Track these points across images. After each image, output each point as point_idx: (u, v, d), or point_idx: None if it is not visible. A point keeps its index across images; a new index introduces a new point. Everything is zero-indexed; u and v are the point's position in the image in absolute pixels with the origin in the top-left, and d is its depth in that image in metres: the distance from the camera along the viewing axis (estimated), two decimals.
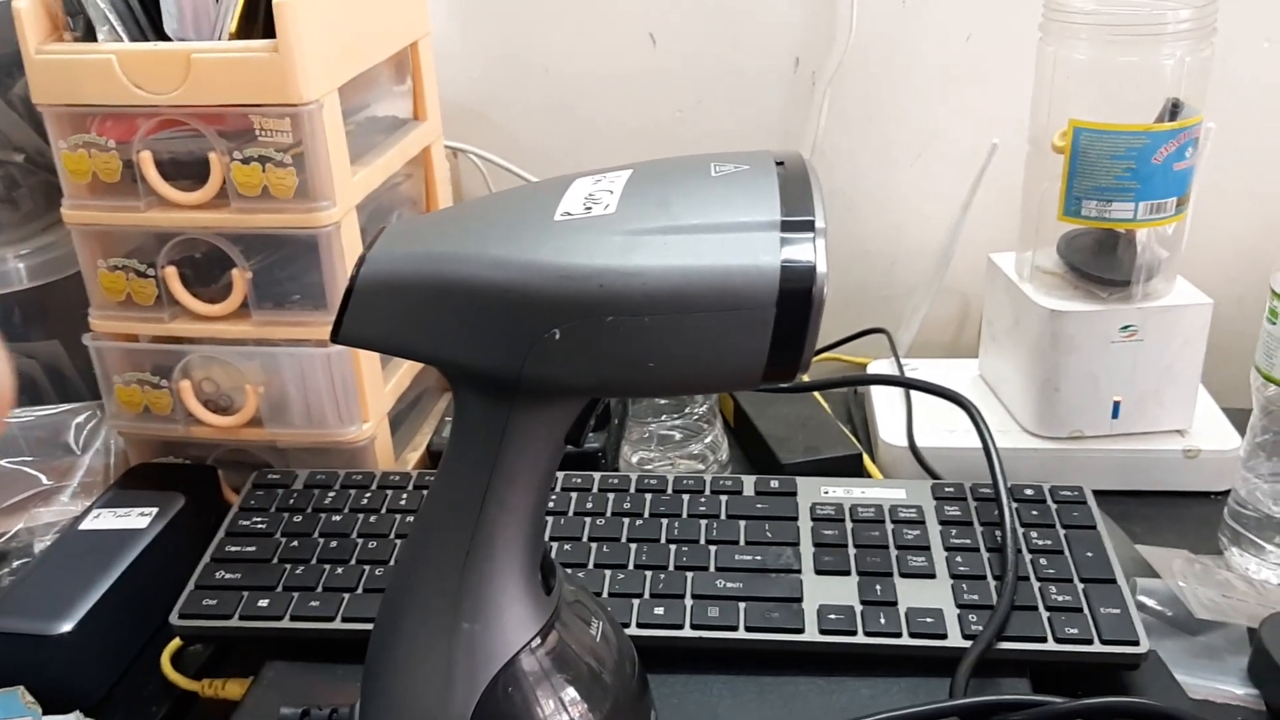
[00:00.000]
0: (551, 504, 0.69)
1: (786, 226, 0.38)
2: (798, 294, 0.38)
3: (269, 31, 0.64)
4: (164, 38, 0.67)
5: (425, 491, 0.70)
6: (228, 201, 0.68)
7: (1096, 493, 0.69)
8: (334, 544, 0.66)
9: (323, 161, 0.67)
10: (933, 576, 0.62)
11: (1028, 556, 0.63)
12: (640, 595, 0.62)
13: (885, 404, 0.84)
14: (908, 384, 0.82)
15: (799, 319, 0.38)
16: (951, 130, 0.95)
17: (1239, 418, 0.76)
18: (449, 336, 0.41)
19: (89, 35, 0.67)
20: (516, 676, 0.45)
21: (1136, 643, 0.58)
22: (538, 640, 0.46)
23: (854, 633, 0.59)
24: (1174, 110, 0.71)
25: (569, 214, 0.41)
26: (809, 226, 0.38)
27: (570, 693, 0.46)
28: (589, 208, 0.41)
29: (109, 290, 0.72)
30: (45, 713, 0.57)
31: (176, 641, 0.64)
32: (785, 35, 0.94)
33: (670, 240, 0.39)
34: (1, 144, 0.80)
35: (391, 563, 0.65)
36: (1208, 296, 0.76)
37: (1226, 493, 0.71)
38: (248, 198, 0.67)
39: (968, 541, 0.65)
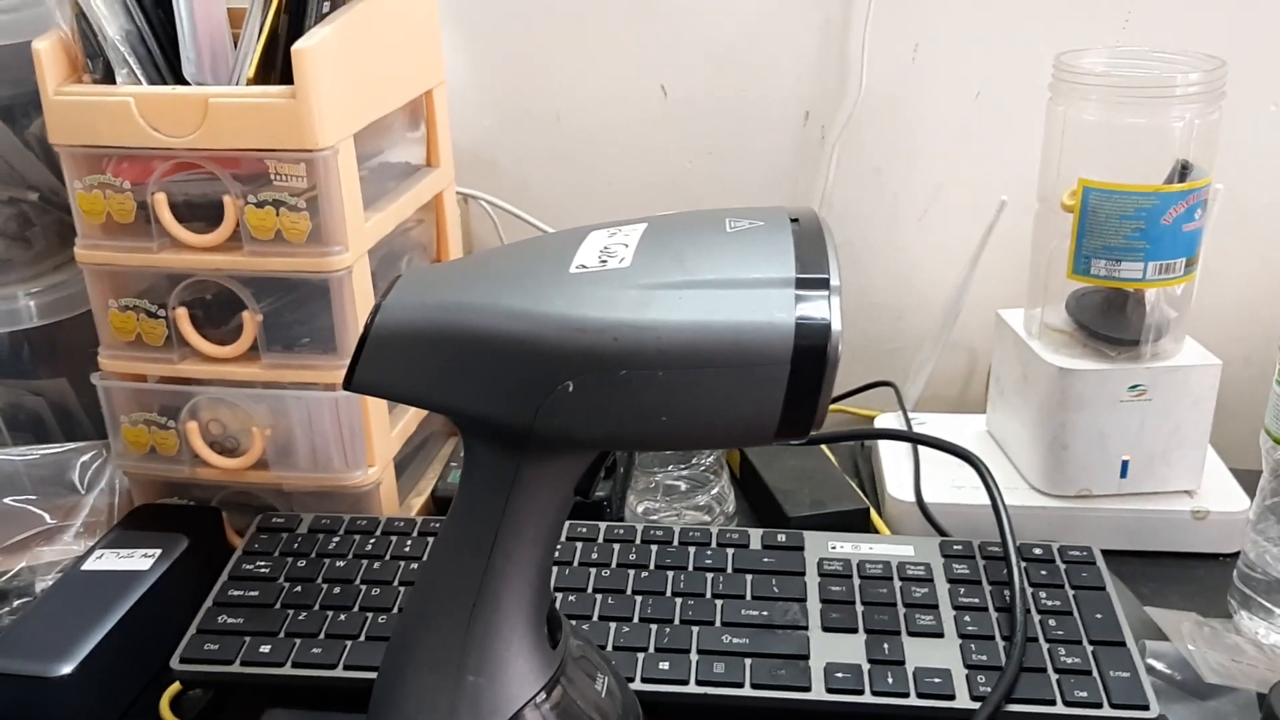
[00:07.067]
0: (556, 554, 0.68)
1: (802, 284, 0.39)
2: (812, 352, 0.38)
3: (286, 78, 0.65)
4: (182, 81, 0.68)
5: (430, 539, 0.70)
6: (240, 244, 0.68)
7: (1104, 553, 0.69)
8: (337, 590, 0.66)
9: (336, 207, 0.67)
10: (941, 635, 0.62)
11: (1037, 617, 0.63)
12: (645, 649, 0.61)
13: (892, 458, 0.84)
14: (917, 440, 0.82)
15: (813, 377, 0.38)
16: (960, 186, 0.96)
17: (1248, 479, 0.76)
18: (462, 387, 0.41)
19: (108, 78, 0.68)
20: None
21: (1146, 706, 0.57)
22: (543, 695, 0.45)
23: (861, 692, 0.58)
24: (1183, 172, 0.72)
25: (584, 266, 0.41)
26: (824, 284, 0.39)
27: None
28: (604, 261, 0.41)
29: (119, 330, 0.72)
30: None
31: (176, 686, 0.63)
32: (795, 88, 0.95)
33: (685, 295, 0.39)
34: (16, 183, 0.80)
35: (395, 610, 0.64)
36: (1216, 357, 0.76)
37: (1235, 555, 0.71)
38: (261, 241, 0.68)
39: (976, 600, 0.64)
